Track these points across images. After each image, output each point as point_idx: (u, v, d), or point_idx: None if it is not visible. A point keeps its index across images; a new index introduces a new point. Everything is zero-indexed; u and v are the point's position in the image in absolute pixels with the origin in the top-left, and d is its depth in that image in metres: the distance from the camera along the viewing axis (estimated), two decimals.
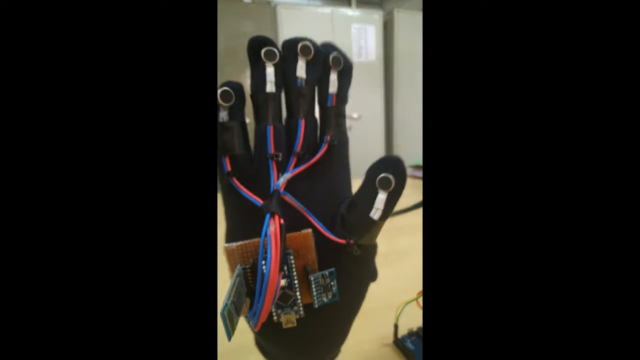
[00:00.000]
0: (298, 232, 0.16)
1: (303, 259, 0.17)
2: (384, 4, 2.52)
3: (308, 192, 0.17)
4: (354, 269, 0.18)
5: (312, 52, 0.17)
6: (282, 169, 0.17)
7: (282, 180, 0.16)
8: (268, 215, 0.14)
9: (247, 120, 0.18)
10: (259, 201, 0.16)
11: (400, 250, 0.47)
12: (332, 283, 0.17)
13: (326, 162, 0.18)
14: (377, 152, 2.20)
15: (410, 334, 0.30)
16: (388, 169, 0.15)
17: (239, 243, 0.16)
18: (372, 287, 0.19)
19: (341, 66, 0.17)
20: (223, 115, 0.16)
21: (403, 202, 0.66)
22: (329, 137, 0.18)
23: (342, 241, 0.17)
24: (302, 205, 0.17)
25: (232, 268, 0.16)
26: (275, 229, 0.14)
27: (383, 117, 2.21)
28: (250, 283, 0.16)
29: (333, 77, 0.17)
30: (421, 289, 0.26)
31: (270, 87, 0.16)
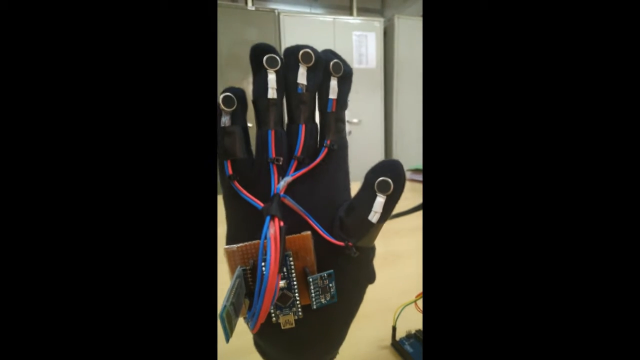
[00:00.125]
0: (297, 235, 0.17)
1: (302, 261, 0.17)
2: (384, 11, 2.54)
3: (308, 196, 0.18)
4: (352, 271, 0.18)
5: (313, 59, 0.17)
6: (282, 173, 0.17)
7: (283, 183, 0.17)
8: (268, 218, 0.15)
9: (250, 125, 0.18)
10: (259, 204, 0.16)
11: (398, 252, 0.47)
12: (330, 285, 0.17)
13: (326, 166, 0.18)
14: (377, 156, 2.20)
15: (409, 336, 0.30)
16: (387, 173, 0.16)
17: (239, 245, 0.16)
18: (370, 289, 0.19)
19: (341, 72, 0.18)
20: (225, 120, 0.17)
21: (402, 205, 0.65)
22: (328, 142, 0.18)
23: (341, 243, 0.17)
24: (301, 208, 0.17)
25: (232, 270, 0.16)
26: (275, 231, 0.14)
27: (382, 122, 2.22)
28: (250, 284, 0.16)
29: (333, 83, 0.18)
30: (419, 291, 0.27)
31: (271, 93, 0.17)
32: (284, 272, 0.17)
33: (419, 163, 0.98)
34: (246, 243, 0.17)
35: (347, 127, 0.21)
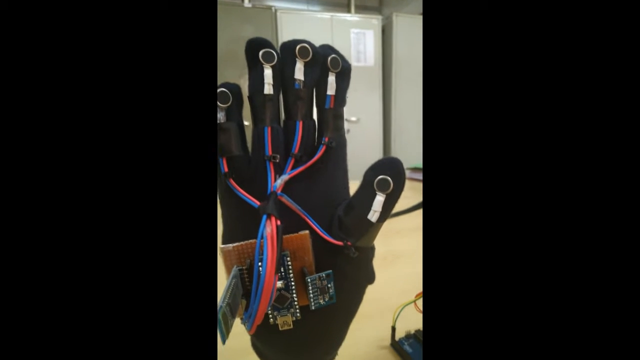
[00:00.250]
0: (295, 234, 0.16)
1: (300, 261, 0.17)
2: (383, 9, 2.54)
3: (305, 194, 0.17)
4: (351, 271, 0.18)
5: (310, 54, 0.17)
6: (279, 171, 0.17)
7: (280, 182, 0.16)
8: (265, 217, 0.14)
9: (246, 124, 0.18)
10: (256, 203, 0.16)
11: (398, 252, 0.47)
12: (329, 285, 0.17)
13: (324, 164, 0.18)
14: (375, 155, 2.20)
15: (408, 336, 0.29)
16: (386, 171, 0.15)
17: (235, 244, 0.16)
18: (370, 289, 0.19)
19: (339, 68, 0.17)
20: (220, 117, 0.16)
21: (401, 204, 0.66)
22: (326, 139, 0.18)
23: (340, 243, 0.17)
24: (299, 207, 0.17)
25: (228, 270, 0.16)
26: (272, 230, 0.14)
27: (381, 120, 2.22)
28: (247, 284, 0.16)
29: (331, 79, 0.17)
30: (419, 291, 0.26)
31: (268, 89, 0.16)
32: (281, 273, 0.16)
33: (417, 162, 0.98)
34: (242, 242, 0.16)
35: (346, 125, 0.21)
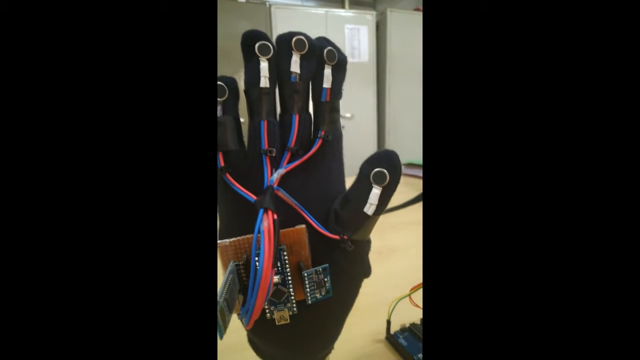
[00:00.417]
0: (291, 228, 0.16)
1: (296, 255, 0.17)
2: (377, 4, 2.53)
3: (301, 188, 0.17)
4: (347, 265, 0.18)
5: (307, 47, 0.17)
6: (275, 165, 0.17)
7: (276, 176, 0.16)
8: (261, 211, 0.14)
9: (242, 120, 0.17)
10: (252, 197, 0.16)
11: (393, 246, 0.47)
12: (325, 279, 0.17)
13: (320, 157, 0.18)
14: (370, 151, 2.18)
15: (403, 330, 0.30)
16: (383, 164, 0.15)
17: (232, 240, 0.16)
18: (365, 283, 0.19)
19: (335, 61, 0.17)
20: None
21: (396, 199, 0.66)
22: (322, 133, 0.17)
23: (336, 237, 0.16)
24: (295, 201, 0.17)
25: (225, 265, 0.16)
26: (269, 224, 0.14)
27: (375, 116, 2.22)
28: (243, 280, 0.16)
29: (327, 72, 0.17)
30: (413, 285, 0.26)
31: (264, 82, 0.16)
32: (278, 267, 0.16)
33: (412, 157, 0.99)
34: (239, 238, 0.16)
35: (340, 121, 0.21)
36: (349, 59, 0.18)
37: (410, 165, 0.95)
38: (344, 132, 0.19)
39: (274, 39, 0.17)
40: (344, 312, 0.19)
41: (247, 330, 0.19)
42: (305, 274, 0.16)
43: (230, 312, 0.14)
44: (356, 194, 0.16)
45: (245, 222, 0.17)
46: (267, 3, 1.91)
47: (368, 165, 0.16)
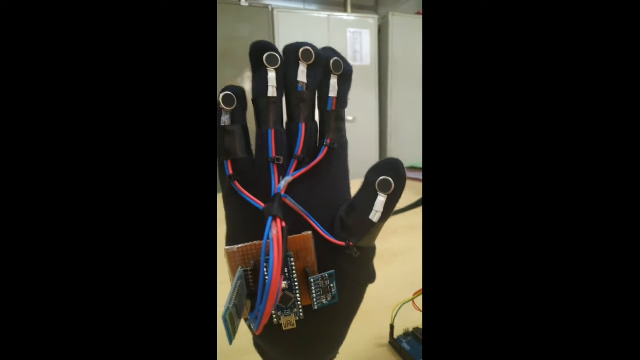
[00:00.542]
0: (298, 235, 0.17)
1: (303, 261, 0.17)
2: (379, 8, 2.54)
3: (308, 195, 0.18)
4: (352, 271, 0.18)
5: (313, 57, 0.17)
6: (282, 172, 0.17)
7: (284, 183, 0.17)
8: (270, 219, 0.15)
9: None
10: (260, 204, 0.16)
11: (395, 251, 0.48)
12: (331, 285, 0.17)
13: (326, 165, 0.18)
14: (371, 154, 2.21)
15: (406, 334, 0.30)
16: (388, 172, 0.16)
17: (240, 246, 0.16)
18: (368, 288, 0.19)
19: (341, 70, 0.18)
20: (225, 119, 0.16)
21: (398, 203, 0.66)
22: (328, 141, 0.18)
23: (342, 243, 0.17)
24: (302, 208, 0.17)
25: (233, 271, 0.16)
26: (278, 232, 0.14)
27: (377, 120, 2.23)
28: (251, 285, 0.16)
29: (333, 82, 0.18)
30: (416, 289, 0.27)
31: (272, 92, 0.17)
32: (285, 273, 0.17)
33: (414, 161, 0.99)
34: (247, 244, 0.16)
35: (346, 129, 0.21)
36: (351, 63, 0.18)
37: (412, 168, 0.96)
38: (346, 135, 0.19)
39: (276, 43, 0.17)
40: (349, 317, 0.19)
41: (256, 335, 0.19)
42: (312, 280, 0.16)
43: (239, 318, 0.14)
44: (362, 202, 0.16)
45: (253, 228, 0.17)
46: (270, 6, 1.92)
47: (373, 173, 0.16)
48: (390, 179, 0.15)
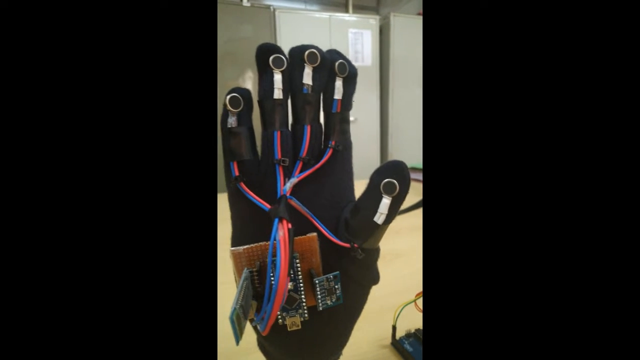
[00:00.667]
0: (303, 236, 0.17)
1: (308, 263, 0.17)
2: (380, 9, 2.54)
3: (312, 196, 0.18)
4: (356, 272, 0.18)
5: (319, 60, 0.17)
6: (288, 174, 0.17)
7: (289, 185, 0.17)
8: (276, 220, 0.15)
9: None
10: (266, 206, 0.16)
11: (397, 251, 0.48)
12: (336, 286, 0.17)
13: (330, 166, 0.18)
14: (373, 154, 2.21)
15: (408, 335, 0.30)
16: (392, 174, 0.16)
17: (245, 247, 0.16)
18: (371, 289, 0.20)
19: (346, 73, 0.18)
20: (232, 121, 0.16)
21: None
22: (333, 143, 0.18)
23: (347, 245, 0.17)
24: (307, 210, 0.17)
25: (238, 271, 0.16)
26: (284, 234, 0.14)
27: (378, 120, 2.23)
28: (256, 286, 0.16)
29: (338, 84, 0.18)
30: (418, 290, 0.27)
31: (277, 94, 0.17)
32: (290, 274, 0.17)
33: (415, 162, 0.99)
34: (252, 245, 0.16)
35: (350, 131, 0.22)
36: (353, 63, 0.18)
37: (414, 169, 0.96)
38: None
39: (277, 43, 0.17)
40: (353, 318, 0.19)
41: (257, 335, 0.19)
42: (317, 281, 0.17)
43: (246, 318, 0.14)
44: (366, 204, 0.16)
45: (258, 229, 0.17)
46: (272, 7, 1.92)
47: (378, 175, 0.16)
48: (395, 182, 0.16)
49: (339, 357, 0.21)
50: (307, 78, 0.17)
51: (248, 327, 0.16)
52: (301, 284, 0.17)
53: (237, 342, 0.13)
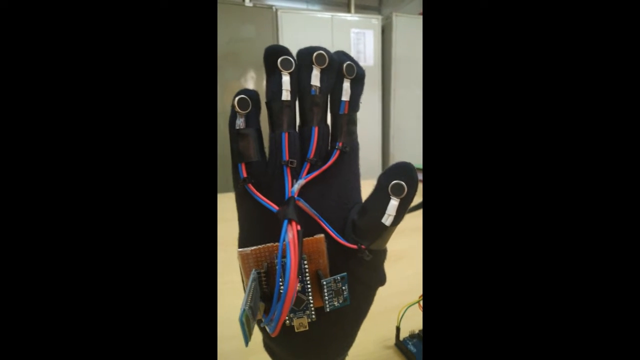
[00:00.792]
0: (311, 237, 0.17)
1: (315, 264, 0.17)
2: (382, 8, 2.54)
3: (320, 198, 0.18)
4: (363, 274, 0.18)
5: (327, 61, 0.17)
6: (295, 175, 0.17)
7: (297, 186, 0.17)
8: (285, 222, 0.15)
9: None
10: (274, 207, 0.16)
11: (400, 252, 0.48)
12: (343, 287, 0.17)
13: (337, 168, 0.18)
14: (374, 154, 2.21)
15: (412, 336, 0.30)
16: (400, 176, 0.16)
17: (253, 248, 0.16)
18: None
19: (354, 74, 0.18)
20: (240, 123, 0.17)
21: None
22: (340, 144, 0.18)
23: (354, 246, 0.17)
24: (315, 212, 0.17)
25: (246, 272, 0.16)
26: (294, 235, 0.14)
27: (380, 120, 2.23)
28: (264, 287, 0.16)
29: (346, 85, 0.18)
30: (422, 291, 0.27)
31: (285, 95, 0.17)
32: (298, 276, 0.17)
33: (416, 162, 0.99)
34: (260, 246, 0.16)
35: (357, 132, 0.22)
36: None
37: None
38: None
39: (280, 43, 0.17)
40: (359, 319, 0.19)
41: (263, 335, 0.19)
42: (324, 283, 0.17)
43: (254, 320, 0.14)
44: (374, 205, 0.17)
45: (265, 230, 0.17)
46: (274, 7, 1.92)
47: (386, 177, 0.16)
48: (403, 183, 0.16)
49: (344, 358, 0.21)
50: (315, 80, 0.17)
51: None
52: (309, 285, 0.17)
53: (247, 343, 0.13)
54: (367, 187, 0.19)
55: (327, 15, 2.05)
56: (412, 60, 2.15)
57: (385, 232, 0.16)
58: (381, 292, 0.20)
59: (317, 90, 0.17)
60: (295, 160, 0.17)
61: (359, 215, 0.17)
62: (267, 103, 0.17)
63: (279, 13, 1.92)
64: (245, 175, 0.17)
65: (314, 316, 0.17)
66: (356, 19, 2.10)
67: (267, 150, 0.18)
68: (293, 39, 1.82)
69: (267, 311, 0.16)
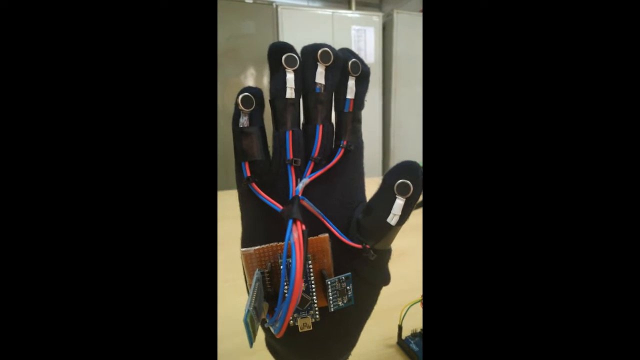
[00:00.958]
0: (315, 237, 0.17)
1: (319, 264, 0.17)
2: (383, 5, 2.52)
3: (324, 197, 0.18)
4: (368, 273, 0.18)
5: (332, 59, 0.17)
6: (299, 174, 0.17)
7: (301, 185, 0.16)
8: (290, 222, 0.15)
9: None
10: (278, 206, 0.16)
11: (402, 251, 0.48)
12: (348, 287, 0.17)
13: (342, 166, 0.18)
14: (375, 152, 2.21)
15: (414, 335, 0.30)
16: (406, 175, 0.16)
17: (256, 247, 0.16)
18: None
19: (359, 72, 0.18)
20: (243, 121, 0.16)
21: None
22: (345, 142, 0.18)
23: (358, 246, 0.17)
24: (319, 211, 0.17)
25: (249, 272, 0.16)
26: (299, 235, 0.14)
27: (381, 118, 2.22)
28: (268, 288, 0.16)
29: (351, 83, 0.18)
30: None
31: (290, 93, 0.17)
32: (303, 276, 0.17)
33: (417, 159, 0.99)
34: (263, 246, 0.16)
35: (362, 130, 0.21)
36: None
37: None
38: None
39: (280, 40, 0.17)
40: (363, 319, 0.19)
41: (266, 335, 0.19)
42: (329, 282, 0.16)
43: (259, 320, 0.14)
44: (379, 204, 0.16)
45: (268, 229, 0.17)
46: (274, 4, 1.91)
47: (391, 176, 0.16)
48: (409, 182, 0.15)
49: (347, 358, 0.21)
50: (320, 77, 0.17)
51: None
52: (313, 285, 0.17)
53: (251, 344, 0.13)
54: (368, 185, 0.19)
55: (328, 12, 2.04)
56: (412, 57, 2.15)
57: (390, 231, 0.16)
58: (383, 290, 0.20)
59: (322, 88, 0.17)
60: (299, 159, 0.17)
61: (364, 215, 0.17)
62: (271, 101, 0.17)
63: (279, 9, 1.91)
64: (248, 174, 0.17)
65: (318, 316, 0.17)
66: (357, 15, 2.09)
67: (270, 148, 0.18)
68: (293, 36, 1.81)
69: (271, 311, 0.16)
